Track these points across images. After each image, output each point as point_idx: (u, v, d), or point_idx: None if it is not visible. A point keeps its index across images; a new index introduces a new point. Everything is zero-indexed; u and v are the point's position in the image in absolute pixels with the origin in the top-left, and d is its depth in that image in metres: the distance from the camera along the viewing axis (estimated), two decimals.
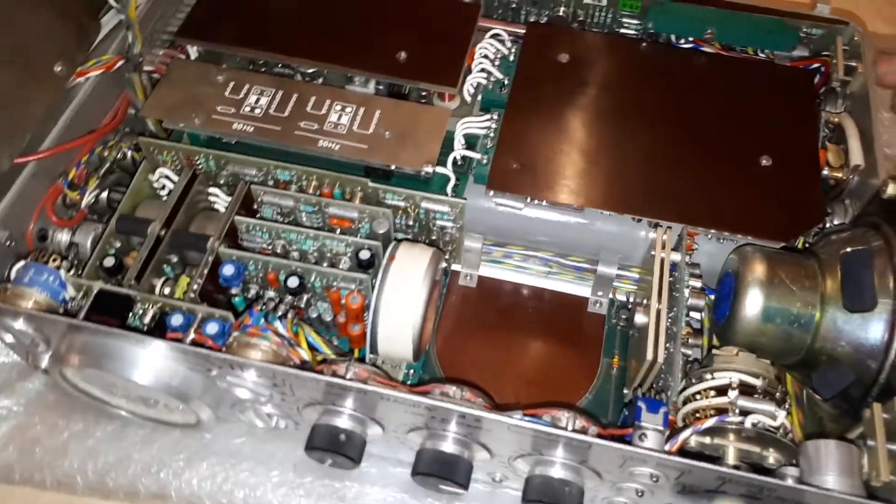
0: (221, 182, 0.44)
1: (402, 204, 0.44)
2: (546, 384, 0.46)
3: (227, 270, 0.40)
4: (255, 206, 0.43)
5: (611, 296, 0.48)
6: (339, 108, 0.46)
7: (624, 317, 0.47)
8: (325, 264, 0.41)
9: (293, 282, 0.40)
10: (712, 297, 0.44)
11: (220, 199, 0.44)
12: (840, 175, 0.46)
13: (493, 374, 0.46)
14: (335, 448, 0.36)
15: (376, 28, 0.50)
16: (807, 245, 0.44)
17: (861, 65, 0.49)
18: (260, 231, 0.42)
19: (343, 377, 0.36)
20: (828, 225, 0.44)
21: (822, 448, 0.35)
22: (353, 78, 0.49)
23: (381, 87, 0.50)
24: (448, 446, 0.37)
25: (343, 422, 0.37)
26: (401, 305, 0.39)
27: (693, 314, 0.42)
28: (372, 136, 0.45)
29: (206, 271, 0.39)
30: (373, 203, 0.44)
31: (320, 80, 0.50)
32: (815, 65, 0.51)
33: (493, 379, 0.45)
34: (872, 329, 0.37)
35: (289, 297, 0.41)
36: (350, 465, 0.37)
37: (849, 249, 0.39)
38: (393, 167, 0.44)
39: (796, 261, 0.41)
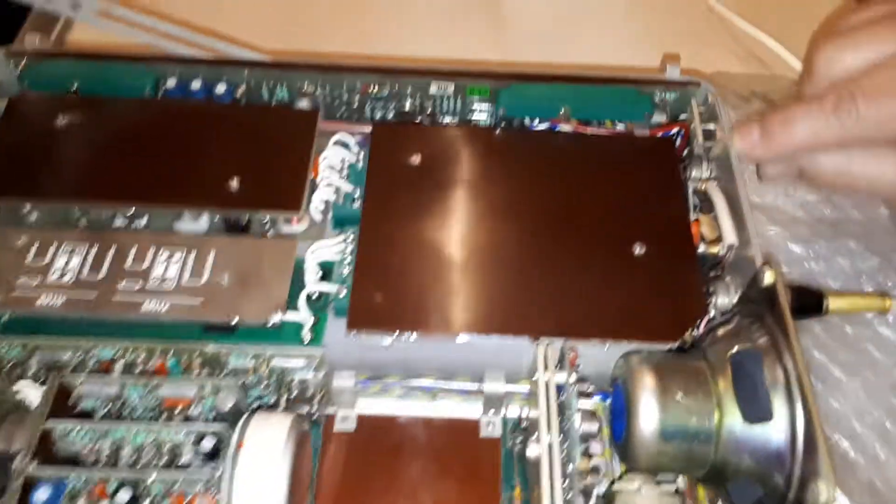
0: (30, 373, 0.37)
1: (250, 364, 0.38)
2: None
3: (41, 496, 0.33)
4: (71, 402, 0.36)
5: (504, 412, 0.44)
6: (165, 256, 0.40)
7: (520, 438, 0.43)
8: (162, 461, 0.35)
9: (123, 496, 0.33)
10: (608, 402, 0.41)
11: (32, 395, 0.37)
12: (716, 251, 0.44)
13: None
14: None
15: (202, 154, 0.44)
16: (694, 339, 0.41)
17: (719, 128, 0.47)
18: (80, 434, 0.35)
19: None
20: (711, 311, 0.42)
21: None
22: (182, 215, 0.43)
23: (216, 221, 0.44)
24: None
25: None
26: (259, 498, 0.34)
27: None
28: (207, 288, 0.39)
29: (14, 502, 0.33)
30: (217, 367, 0.38)
31: (143, 224, 0.43)
32: (674, 130, 0.49)
33: None
34: (773, 441, 0.34)
35: None
36: None
37: (736, 350, 0.37)
38: (235, 321, 0.39)
39: (686, 367, 0.38)
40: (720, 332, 0.39)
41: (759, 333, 0.37)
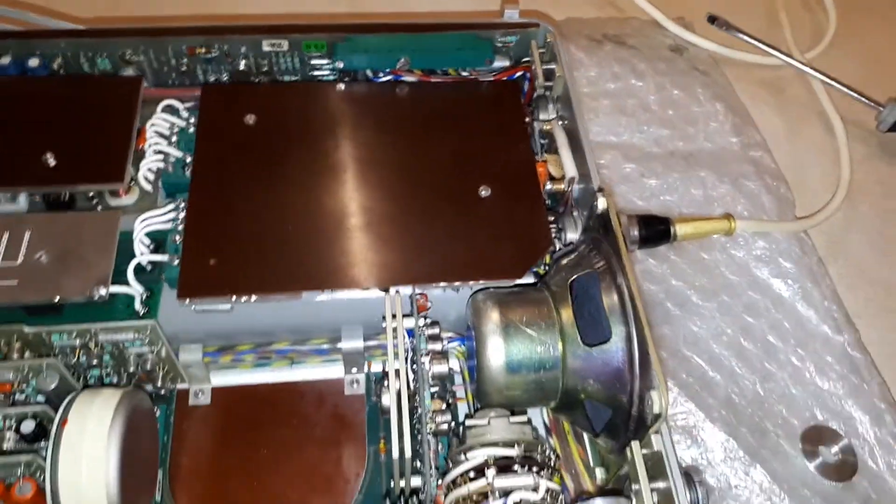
0: None
1: (76, 343, 0.36)
2: (314, 495, 0.40)
3: None
4: None
5: (366, 370, 0.43)
6: None
7: (378, 401, 0.42)
8: None
9: None
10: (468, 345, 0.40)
11: None
12: (562, 187, 0.44)
13: (252, 500, 0.39)
14: None
15: (14, 131, 0.41)
16: (545, 271, 0.41)
17: (559, 67, 0.47)
18: None
19: None
20: (559, 246, 0.42)
21: None
22: None
23: (37, 201, 0.41)
24: None
25: None
26: (86, 477, 0.31)
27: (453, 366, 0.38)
28: (23, 268, 0.37)
29: None
30: (43, 349, 0.35)
31: None
32: (518, 73, 0.48)
33: None
34: (613, 362, 0.34)
35: None
36: None
37: (575, 277, 0.37)
38: (57, 299, 0.36)
39: (529, 299, 0.37)
40: (563, 262, 0.39)
41: (597, 259, 0.37)
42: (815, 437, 0.42)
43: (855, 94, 0.58)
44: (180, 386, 0.42)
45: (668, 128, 0.56)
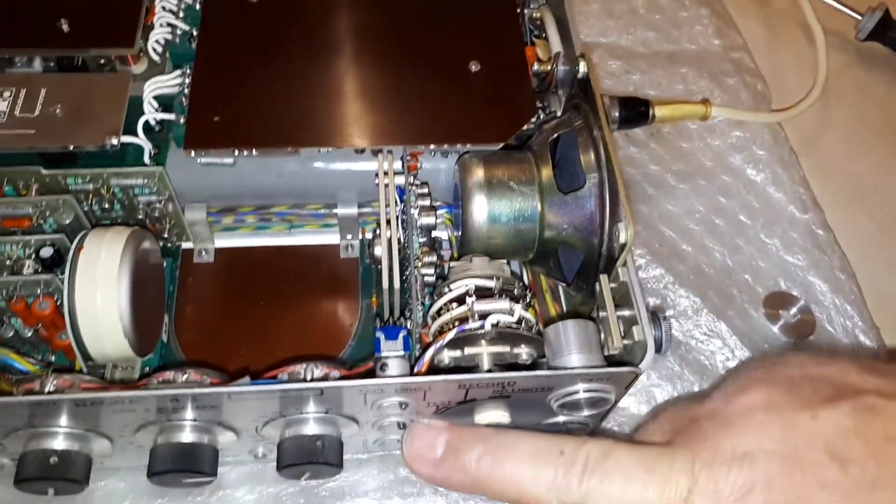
0: None
1: (89, 187, 0.39)
2: (309, 344, 0.43)
3: None
4: None
5: (360, 236, 0.46)
6: None
7: (371, 256, 0.45)
8: (4, 274, 0.35)
9: None
10: (453, 213, 0.43)
11: None
12: (548, 67, 0.46)
13: (250, 348, 0.42)
14: (48, 475, 0.31)
15: None
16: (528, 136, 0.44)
17: None
18: None
19: (40, 392, 0.31)
20: (542, 116, 0.44)
21: (560, 330, 0.35)
22: (14, 59, 0.43)
23: (50, 64, 0.43)
24: (185, 436, 0.33)
25: (57, 443, 0.32)
26: (100, 298, 0.34)
27: (440, 235, 0.41)
28: (39, 119, 0.39)
29: None
30: (58, 192, 0.38)
31: None
32: None
33: (252, 353, 0.42)
34: (586, 206, 0.37)
35: None
36: (76, 489, 0.33)
37: (555, 136, 0.39)
38: (72, 148, 0.39)
39: (512, 158, 0.40)
40: (545, 127, 0.41)
41: (576, 118, 0.39)
42: (776, 302, 0.45)
43: (836, 4, 0.60)
44: (185, 245, 0.45)
45: (654, 30, 0.58)
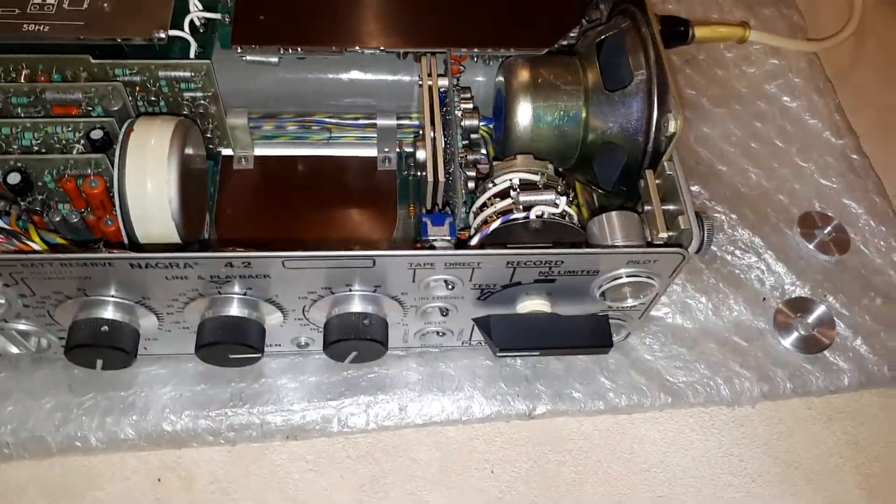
0: None
1: (137, 79, 0.39)
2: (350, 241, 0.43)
3: None
4: None
5: (398, 149, 0.47)
6: None
7: (412, 163, 0.46)
8: (56, 154, 0.36)
9: (14, 178, 0.34)
10: (492, 126, 0.43)
11: None
12: None
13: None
14: (99, 341, 0.32)
15: None
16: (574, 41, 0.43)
17: None
18: None
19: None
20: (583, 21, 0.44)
21: (604, 221, 0.35)
22: None
23: None
24: (234, 310, 0.33)
25: (107, 312, 0.33)
26: (150, 177, 0.35)
27: (475, 136, 0.41)
28: (88, 12, 0.39)
29: None
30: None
31: None
32: None
33: None
34: (633, 103, 0.37)
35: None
36: (124, 361, 0.33)
37: (602, 38, 0.39)
38: (119, 40, 0.39)
39: (558, 60, 0.40)
40: (590, 32, 0.42)
41: (623, 21, 0.39)
42: (811, 222, 0.46)
43: None
44: (226, 151, 0.45)
45: None
